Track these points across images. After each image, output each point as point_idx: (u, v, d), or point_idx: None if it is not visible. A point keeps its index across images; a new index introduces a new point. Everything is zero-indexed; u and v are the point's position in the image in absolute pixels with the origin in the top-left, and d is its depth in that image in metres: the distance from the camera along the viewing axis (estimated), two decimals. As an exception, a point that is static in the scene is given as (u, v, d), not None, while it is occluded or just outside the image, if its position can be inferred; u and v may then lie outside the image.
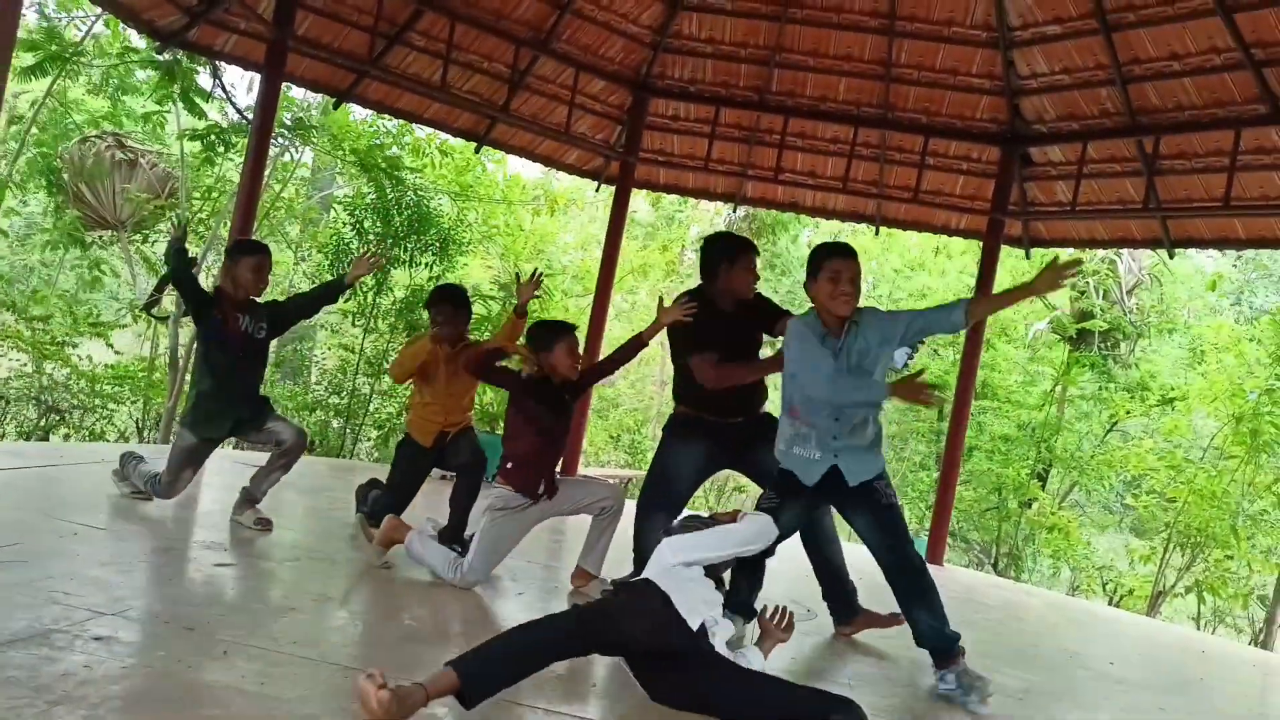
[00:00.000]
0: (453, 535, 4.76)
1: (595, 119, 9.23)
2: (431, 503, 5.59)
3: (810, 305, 3.89)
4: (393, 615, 3.80)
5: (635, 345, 4.63)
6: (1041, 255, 11.85)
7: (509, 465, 4.37)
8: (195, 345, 4.93)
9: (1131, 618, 8.18)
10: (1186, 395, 10.95)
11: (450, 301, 5.09)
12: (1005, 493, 11.41)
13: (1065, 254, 3.62)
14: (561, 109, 8.93)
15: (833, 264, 3.76)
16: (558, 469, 4.56)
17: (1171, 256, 8.73)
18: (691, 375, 4.53)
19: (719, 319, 4.48)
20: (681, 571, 3.11)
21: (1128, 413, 11.34)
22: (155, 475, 4.89)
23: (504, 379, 4.54)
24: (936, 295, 14.73)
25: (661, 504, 4.60)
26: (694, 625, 2.98)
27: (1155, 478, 10.34)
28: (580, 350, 4.54)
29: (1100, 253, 13.38)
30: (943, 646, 3.90)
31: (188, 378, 4.92)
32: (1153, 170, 7.98)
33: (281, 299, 5.36)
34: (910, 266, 17.02)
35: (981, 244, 9.13)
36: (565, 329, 4.50)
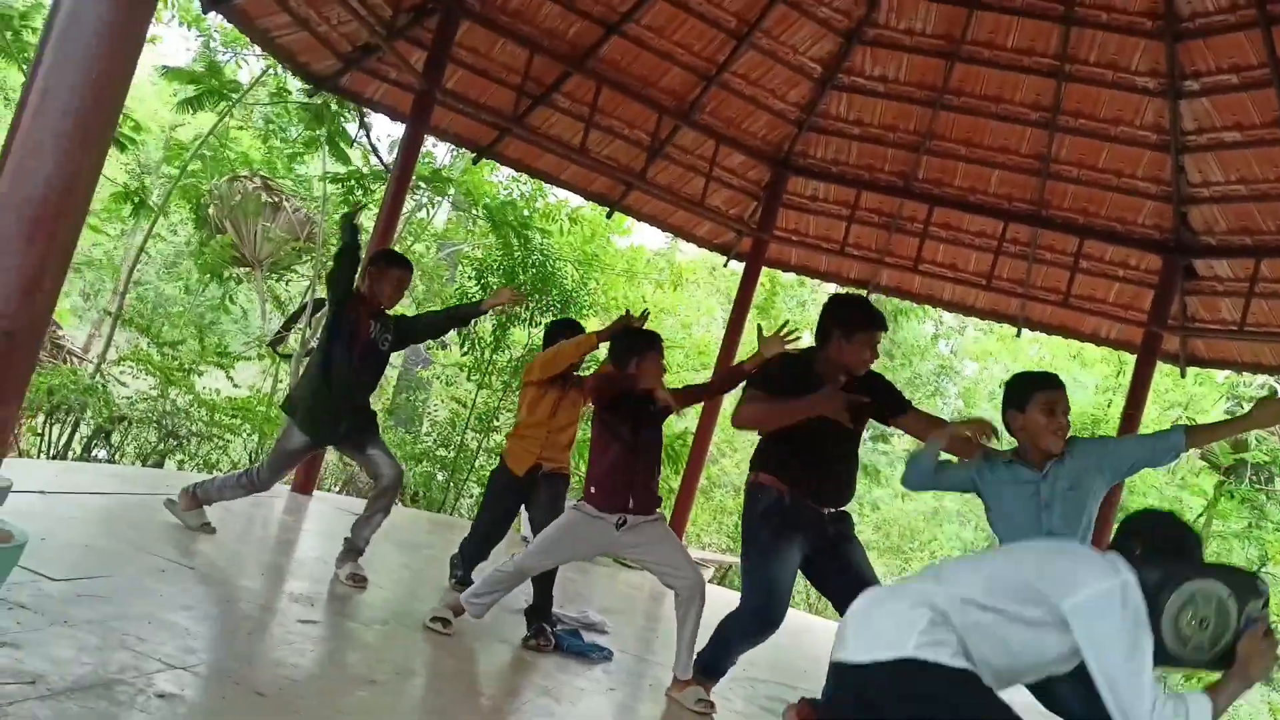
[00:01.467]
0: (537, 611, 4.49)
1: (731, 193, 9.03)
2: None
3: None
4: (471, 693, 3.50)
5: (735, 375, 4.42)
6: (1196, 374, 11.09)
7: (591, 489, 4.14)
8: (319, 340, 4.81)
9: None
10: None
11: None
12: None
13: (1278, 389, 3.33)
14: (698, 180, 8.76)
15: (1048, 396, 3.47)
16: (648, 493, 4.19)
17: (1349, 389, 7.97)
18: (795, 447, 3.96)
19: (815, 388, 3.91)
20: None
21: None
22: (244, 471, 4.81)
23: (600, 389, 4.27)
24: (1071, 406, 13.93)
25: (772, 615, 3.95)
26: None
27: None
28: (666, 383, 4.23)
29: (1260, 378, 12.47)
30: None
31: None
32: (1334, 292, 7.31)
33: (411, 314, 5.24)
34: (1039, 366, 16.22)
35: (1134, 358, 8.50)
36: (652, 339, 4.22)
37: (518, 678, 3.89)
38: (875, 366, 4.17)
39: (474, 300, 5.15)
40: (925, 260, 8.87)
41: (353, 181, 10.27)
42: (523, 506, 5.12)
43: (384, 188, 8.17)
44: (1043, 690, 3.25)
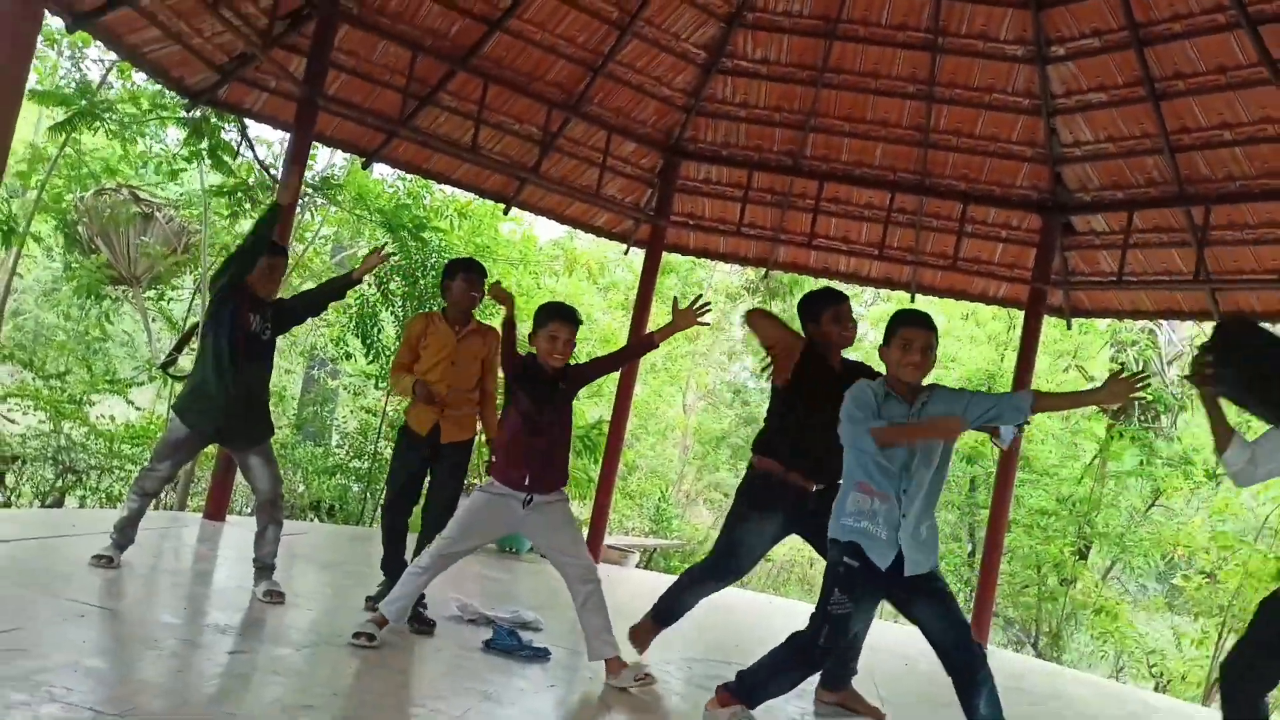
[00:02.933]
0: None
1: (626, 181, 9.08)
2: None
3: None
4: (410, 704, 3.50)
5: (643, 346, 4.55)
6: (1080, 324, 11.59)
7: (493, 459, 4.25)
8: (200, 334, 4.76)
9: (1189, 708, 7.75)
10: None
11: (476, 270, 4.91)
12: (1045, 570, 10.99)
13: (1125, 365, 3.55)
14: (592, 171, 8.79)
15: (905, 332, 3.66)
16: (549, 470, 4.25)
17: (1220, 329, 8.41)
18: (788, 426, 4.44)
19: (831, 378, 4.31)
20: None
21: (1176, 489, 10.91)
22: (137, 476, 4.74)
23: (506, 358, 4.25)
24: (967, 363, 14.41)
25: (720, 575, 4.62)
26: None
27: (1206, 558, 9.93)
28: (566, 354, 4.24)
29: (1139, 323, 13.10)
30: None
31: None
32: (1203, 241, 7.73)
33: (286, 298, 5.15)
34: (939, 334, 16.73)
35: (1022, 313, 8.86)
36: (558, 312, 4.24)
37: (456, 685, 3.89)
38: None
39: (346, 272, 5.09)
40: (819, 235, 9.07)
41: (239, 194, 10.01)
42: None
43: (271, 198, 7.99)
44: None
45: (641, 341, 4.57)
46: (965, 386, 14.24)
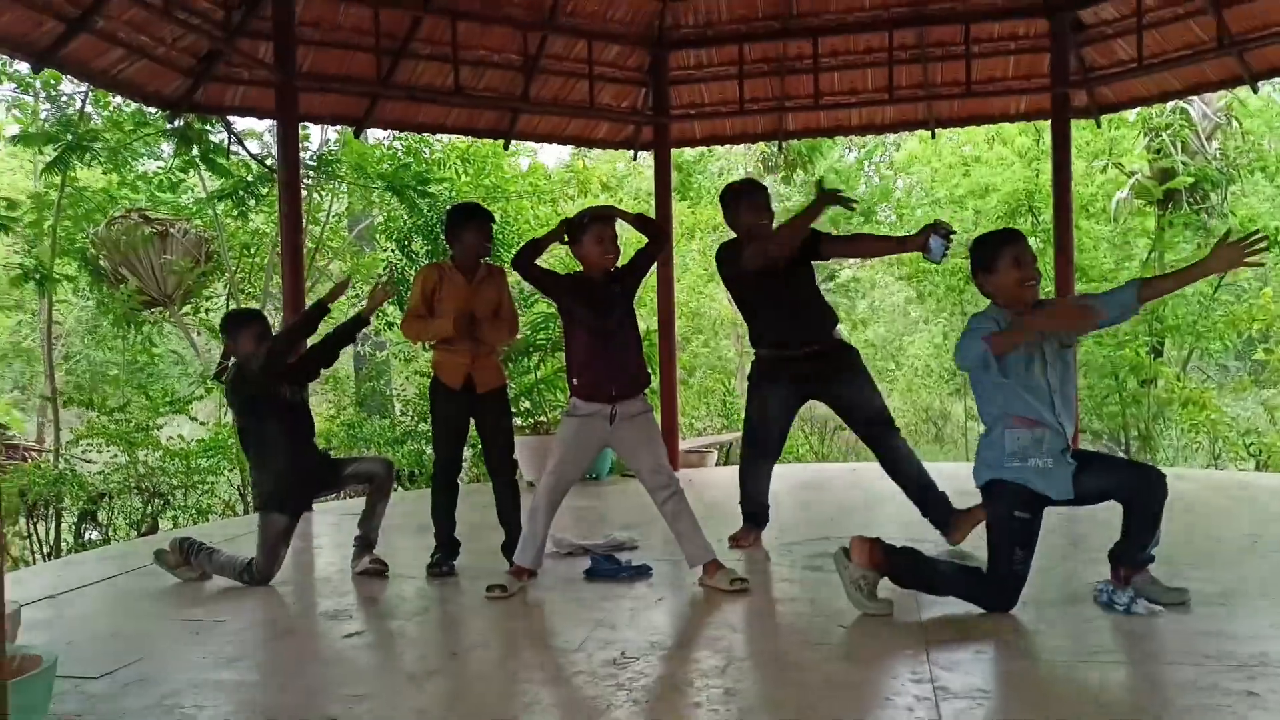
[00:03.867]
0: (513, 546, 4.56)
1: (618, 87, 8.85)
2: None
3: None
4: (536, 646, 3.56)
5: (660, 245, 4.51)
6: (1110, 122, 11.15)
7: (575, 380, 4.24)
8: (245, 424, 4.75)
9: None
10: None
11: (486, 216, 4.81)
12: (1123, 376, 10.80)
13: (1233, 229, 3.37)
14: (582, 85, 8.57)
15: (1011, 251, 3.59)
16: (630, 375, 4.29)
17: (1255, 91, 8.06)
18: (762, 318, 4.87)
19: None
20: None
21: (1241, 272, 10.55)
22: (245, 562, 4.67)
23: (545, 280, 4.32)
24: (1004, 187, 14.02)
25: (763, 451, 4.97)
26: None
27: (1280, 325, 9.69)
28: (616, 250, 4.29)
29: (1169, 105, 12.59)
30: (1145, 558, 3.72)
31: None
32: (1220, 2, 7.33)
33: (296, 361, 5.13)
34: (965, 162, 16.29)
35: (1049, 123, 8.55)
36: (595, 216, 4.23)
37: (569, 619, 3.95)
38: None
39: (355, 315, 4.97)
40: (824, 93, 8.78)
41: (240, 193, 9.96)
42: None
43: (274, 190, 7.94)
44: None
45: (644, 220, 4.53)
46: (1007, 209, 13.99)
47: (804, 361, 4.76)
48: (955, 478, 4.96)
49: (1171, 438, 11.87)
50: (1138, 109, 11.35)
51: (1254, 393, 10.55)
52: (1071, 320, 3.54)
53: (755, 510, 5.12)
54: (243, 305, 10.56)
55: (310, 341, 5.06)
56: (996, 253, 3.60)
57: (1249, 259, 3.41)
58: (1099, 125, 9.20)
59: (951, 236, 4.18)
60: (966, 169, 15.84)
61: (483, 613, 4.12)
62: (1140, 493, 3.58)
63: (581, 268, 4.33)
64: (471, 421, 4.84)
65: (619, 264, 4.34)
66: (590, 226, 4.20)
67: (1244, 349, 12.35)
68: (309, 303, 5.39)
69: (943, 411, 18.13)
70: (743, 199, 4.78)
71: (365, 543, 4.83)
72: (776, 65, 8.76)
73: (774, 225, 4.83)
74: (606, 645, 3.52)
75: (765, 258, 4.61)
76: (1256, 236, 3.41)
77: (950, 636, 3.50)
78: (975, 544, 4.33)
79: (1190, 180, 12.30)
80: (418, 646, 3.71)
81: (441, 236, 9.46)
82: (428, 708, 2.98)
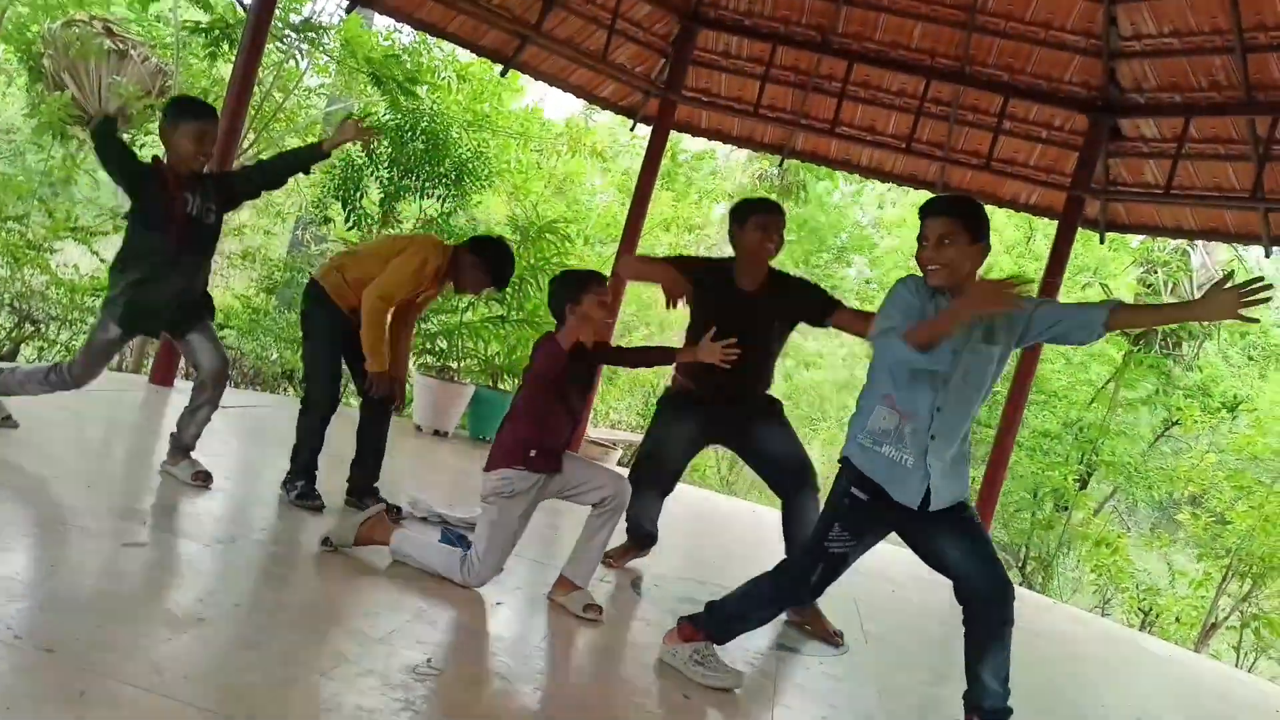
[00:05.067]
0: (362, 485, 4.19)
1: (637, 48, 8.28)
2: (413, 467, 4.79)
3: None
4: (325, 623, 3.00)
5: (662, 356, 4.04)
6: (1110, 242, 10.87)
7: (533, 453, 3.60)
8: (126, 228, 4.04)
9: (1182, 653, 7.37)
10: (1254, 405, 10.06)
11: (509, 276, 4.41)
12: (1042, 495, 10.56)
13: (1236, 269, 2.92)
14: (600, 34, 7.99)
15: (923, 225, 3.11)
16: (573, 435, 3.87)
17: (1268, 255, 7.77)
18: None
19: (737, 298, 4.20)
20: None
21: (1195, 421, 10.38)
22: (53, 366, 4.08)
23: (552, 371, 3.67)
24: (986, 275, 13.71)
25: (654, 481, 4.51)
26: None
27: (1218, 497, 9.46)
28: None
29: (1172, 243, 12.37)
30: (1002, 708, 3.13)
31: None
32: (1265, 155, 7.01)
33: (234, 170, 4.48)
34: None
35: (1050, 222, 8.19)
36: (588, 278, 3.69)
37: (389, 599, 3.40)
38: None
39: (316, 141, 4.34)
40: (843, 122, 8.33)
41: (216, 31, 9.17)
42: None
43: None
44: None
45: (660, 352, 4.05)
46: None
47: (724, 406, 4.29)
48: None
49: (1068, 568, 11.69)
50: (1142, 237, 11.11)
51: (1163, 553, 10.34)
52: (989, 304, 2.90)
53: (639, 531, 4.65)
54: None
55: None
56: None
57: (1244, 311, 2.86)
58: (1102, 240, 8.84)
59: None
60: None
61: (299, 562, 3.55)
62: (992, 603, 3.09)
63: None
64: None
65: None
66: (593, 285, 3.64)
67: (1166, 506, 12.20)
68: (235, 165, 4.73)
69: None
70: (757, 216, 4.22)
71: (178, 446, 4.19)
72: (803, 78, 8.26)
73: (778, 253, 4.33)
74: (416, 644, 2.98)
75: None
76: (1260, 285, 2.84)
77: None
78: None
79: (1174, 328, 12.07)
80: (197, 581, 3.12)
81: (408, 145, 8.87)
82: (165, 665, 2.41)
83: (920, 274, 3.13)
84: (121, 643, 2.48)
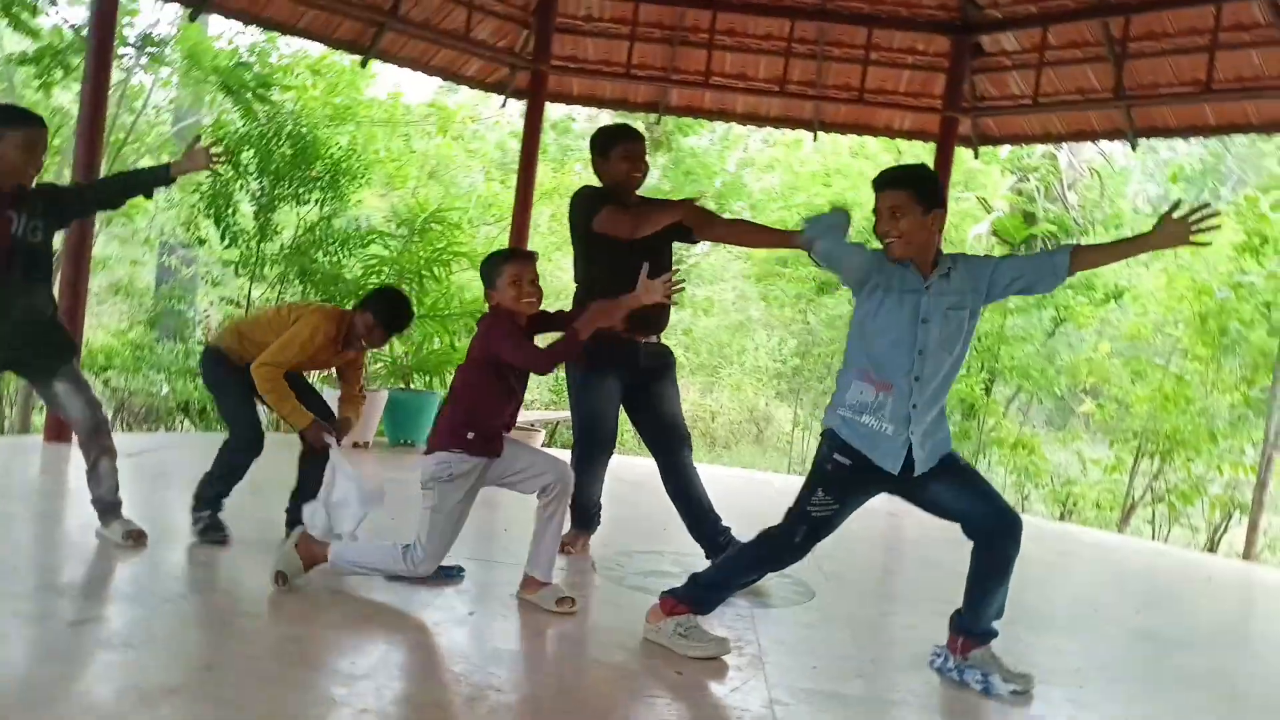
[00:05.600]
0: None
1: (498, 22, 8.10)
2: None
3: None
4: (299, 665, 2.88)
5: (571, 348, 3.64)
6: (984, 154, 11.18)
7: (470, 435, 3.51)
8: None
9: (1121, 540, 7.76)
10: (1137, 293, 10.54)
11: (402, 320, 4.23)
12: (950, 408, 10.89)
13: (1182, 200, 3.04)
14: (459, 12, 7.79)
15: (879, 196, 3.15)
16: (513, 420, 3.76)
17: (1134, 148, 8.12)
18: (604, 280, 4.04)
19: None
20: None
21: (1084, 316, 10.77)
22: None
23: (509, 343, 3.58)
24: (861, 204, 13.96)
25: (602, 445, 4.40)
26: None
27: (1118, 385, 9.92)
28: (538, 293, 3.63)
29: (1040, 148, 12.80)
30: (990, 630, 3.30)
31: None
32: (1121, 54, 7.27)
33: (65, 185, 4.17)
34: (827, 173, 16.22)
35: (930, 144, 8.37)
36: (512, 253, 3.69)
37: (358, 637, 3.28)
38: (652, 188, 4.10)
39: (162, 165, 4.09)
40: (714, 72, 8.32)
41: (46, 59, 8.62)
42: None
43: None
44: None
45: (572, 343, 3.65)
46: (865, 227, 13.94)
47: (641, 354, 4.31)
48: (766, 484, 4.58)
49: (993, 477, 12.11)
50: (1013, 146, 11.47)
51: (1073, 445, 10.81)
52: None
53: (588, 512, 4.60)
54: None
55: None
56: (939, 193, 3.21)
57: (1196, 237, 3.03)
58: (976, 155, 9.09)
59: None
60: (828, 180, 15.78)
61: (255, 609, 3.40)
62: (998, 536, 3.18)
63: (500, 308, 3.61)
64: None
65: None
66: (509, 263, 3.58)
67: (1066, 399, 12.73)
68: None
69: (767, 414, 18.14)
70: (619, 144, 4.27)
71: (106, 505, 3.95)
72: (669, 34, 8.21)
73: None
74: (401, 674, 2.89)
75: (615, 230, 4.09)
76: (1207, 211, 3.01)
77: (796, 701, 3.06)
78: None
79: (1054, 229, 12.51)
80: (158, 649, 2.95)
81: (274, 151, 8.50)
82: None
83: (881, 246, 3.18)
84: (105, 714, 2.33)
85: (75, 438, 4.03)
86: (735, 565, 3.39)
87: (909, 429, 3.10)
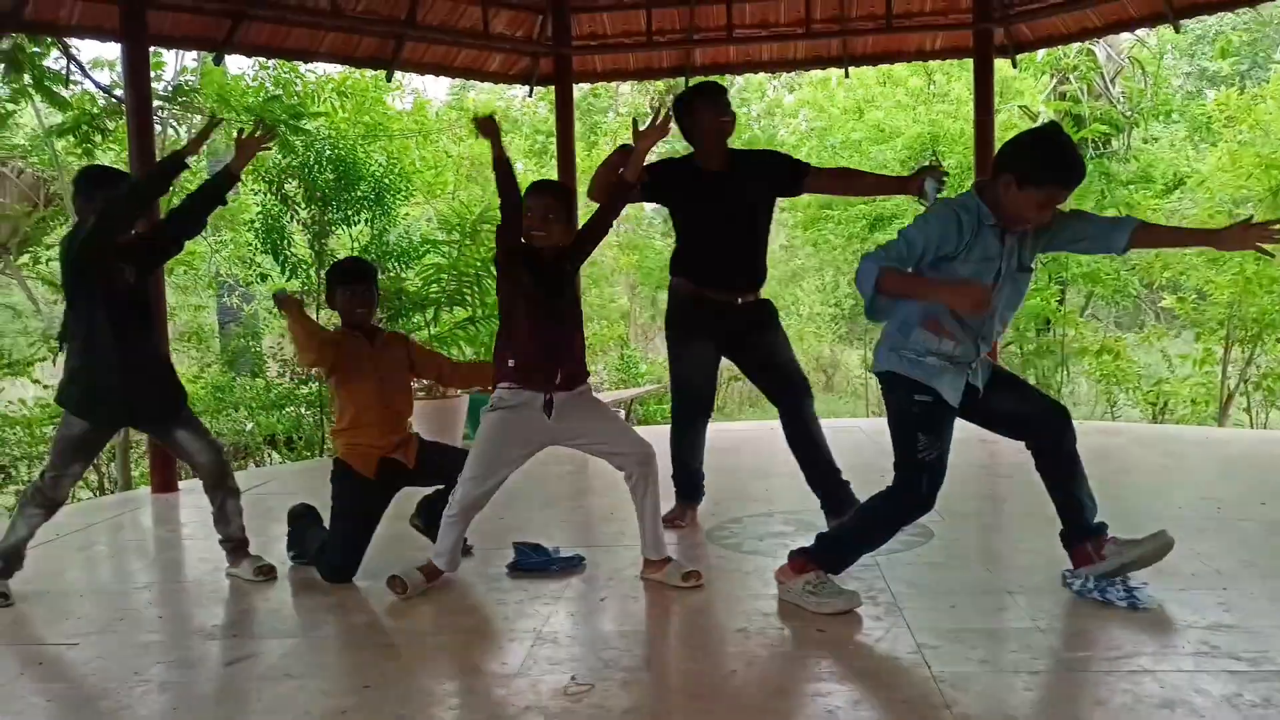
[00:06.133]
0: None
1: (513, 13, 8.06)
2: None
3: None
4: (458, 659, 2.95)
5: (622, 191, 3.80)
6: (1025, 60, 10.88)
7: (511, 362, 3.56)
8: (70, 305, 3.84)
9: (1224, 433, 7.58)
10: (1202, 176, 10.21)
11: (368, 277, 4.09)
12: (1023, 326, 10.71)
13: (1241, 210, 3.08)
14: (474, 10, 7.77)
15: (1055, 191, 3.02)
16: (574, 364, 3.69)
17: (1177, 30, 7.85)
18: (700, 250, 4.28)
19: (707, 180, 4.22)
20: None
21: (1149, 209, 10.48)
22: (29, 486, 3.93)
23: (508, 228, 3.57)
24: (908, 130, 13.74)
25: (700, 406, 4.47)
26: None
27: (1196, 274, 9.64)
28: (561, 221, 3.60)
29: (1077, 46, 12.43)
30: (1098, 525, 3.38)
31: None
32: (1152, -64, 7.04)
33: (145, 231, 4.25)
34: (858, 106, 15.93)
35: (969, 61, 8.18)
36: (535, 188, 3.63)
37: (502, 633, 3.35)
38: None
39: (219, 171, 4.11)
40: (736, 25, 8.21)
41: (85, 127, 8.78)
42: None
43: (123, 124, 6.92)
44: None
45: (619, 190, 3.81)
46: (911, 154, 13.71)
47: (734, 314, 4.29)
48: (850, 432, 4.59)
49: (1065, 387, 11.91)
50: (1049, 49, 11.18)
51: (1164, 341, 10.52)
52: (975, 304, 2.95)
53: (691, 481, 4.61)
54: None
55: None
56: (1040, 174, 2.98)
57: (1261, 242, 3.06)
58: (1014, 65, 8.87)
59: (944, 179, 3.82)
60: (860, 112, 15.52)
61: (391, 628, 3.48)
62: (1053, 430, 3.30)
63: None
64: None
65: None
66: (529, 197, 3.57)
67: (1141, 298, 12.44)
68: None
69: (833, 360, 18.02)
70: (698, 99, 4.21)
71: (234, 545, 4.08)
72: (686, -8, 8.11)
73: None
74: (553, 667, 2.94)
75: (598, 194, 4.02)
76: (1278, 225, 3.05)
77: (945, 642, 3.05)
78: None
79: (1102, 129, 12.16)
80: (320, 676, 3.04)
81: (316, 179, 8.61)
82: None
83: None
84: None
85: (181, 487, 4.14)
86: (866, 528, 3.39)
87: (970, 367, 3.20)
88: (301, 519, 4.27)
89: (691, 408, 4.47)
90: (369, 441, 3.96)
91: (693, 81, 6.68)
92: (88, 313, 3.77)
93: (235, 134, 4.12)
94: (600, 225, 3.79)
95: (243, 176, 4.21)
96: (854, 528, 3.44)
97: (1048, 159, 3.01)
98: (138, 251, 3.92)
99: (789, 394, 4.34)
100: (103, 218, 3.68)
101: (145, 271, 3.97)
